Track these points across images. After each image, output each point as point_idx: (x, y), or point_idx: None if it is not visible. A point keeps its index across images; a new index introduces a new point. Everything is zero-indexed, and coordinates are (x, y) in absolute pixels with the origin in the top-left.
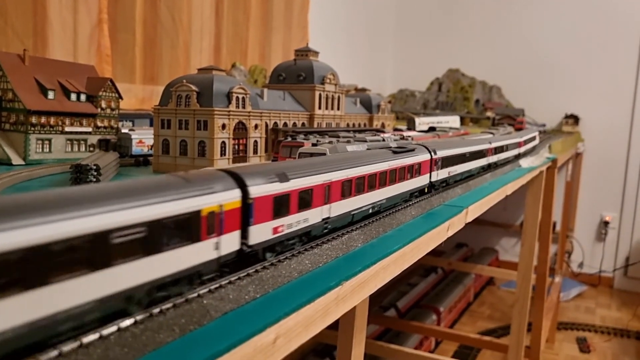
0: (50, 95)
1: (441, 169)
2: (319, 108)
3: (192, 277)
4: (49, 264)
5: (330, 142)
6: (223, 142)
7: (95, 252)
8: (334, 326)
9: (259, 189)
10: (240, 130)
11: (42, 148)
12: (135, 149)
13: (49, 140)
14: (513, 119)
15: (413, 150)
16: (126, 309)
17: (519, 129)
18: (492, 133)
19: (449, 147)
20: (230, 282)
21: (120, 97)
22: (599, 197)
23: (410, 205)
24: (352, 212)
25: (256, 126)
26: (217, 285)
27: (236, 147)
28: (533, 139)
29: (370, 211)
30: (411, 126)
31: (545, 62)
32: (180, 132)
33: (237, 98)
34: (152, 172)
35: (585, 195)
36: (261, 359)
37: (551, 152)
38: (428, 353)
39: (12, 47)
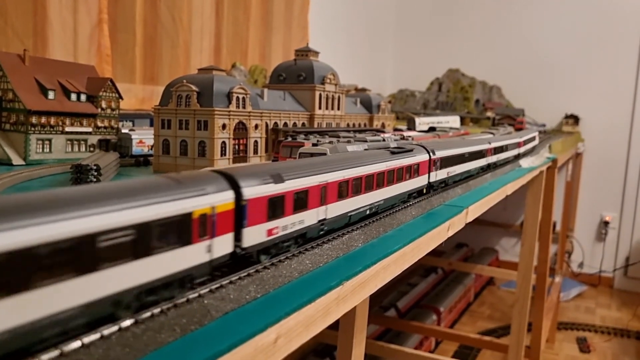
0: (51, 95)
1: (440, 169)
2: (319, 108)
3: (183, 281)
4: (32, 269)
5: (330, 142)
6: (223, 142)
7: (81, 256)
8: (335, 326)
9: (252, 190)
10: (241, 130)
11: (43, 148)
12: (136, 149)
13: (49, 140)
14: (513, 119)
15: (411, 150)
16: (114, 313)
17: (519, 129)
18: (492, 133)
19: (448, 148)
20: (231, 282)
21: (120, 97)
22: (599, 197)
23: (410, 205)
24: (349, 214)
25: (256, 126)
26: (217, 285)
27: (236, 147)
28: (533, 139)
29: (368, 212)
30: (411, 126)
31: (545, 62)
32: (181, 132)
33: (238, 98)
34: (152, 172)
35: (585, 195)
36: (262, 359)
37: (551, 152)
38: (428, 353)
39: (12, 47)
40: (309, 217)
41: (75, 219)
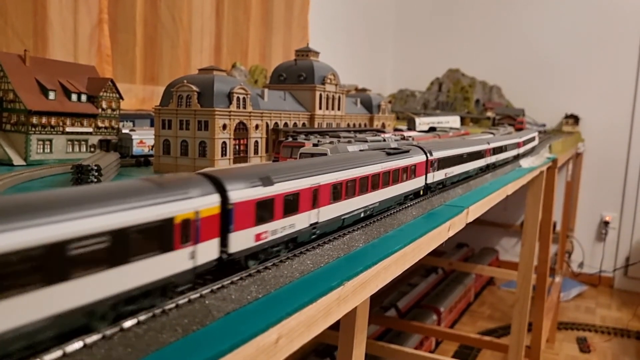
0: (51, 95)
1: (437, 170)
2: (320, 108)
3: (165, 289)
4: None
5: (331, 143)
6: (224, 143)
7: (50, 264)
8: (335, 326)
9: (239, 194)
10: (241, 130)
11: (43, 148)
12: (136, 149)
13: (50, 140)
14: (513, 119)
15: (408, 151)
16: (88, 325)
17: (519, 129)
18: (492, 133)
19: (446, 148)
20: (232, 282)
21: (121, 97)
22: (599, 197)
23: (411, 205)
24: (343, 217)
25: (257, 126)
26: (219, 285)
27: (237, 147)
28: (532, 139)
29: (362, 215)
30: (411, 126)
31: (545, 62)
32: (181, 133)
33: (238, 98)
34: (152, 173)
35: (585, 195)
36: (264, 359)
37: (551, 152)
38: (428, 353)
39: (13, 47)
40: (300, 221)
41: (44, 225)
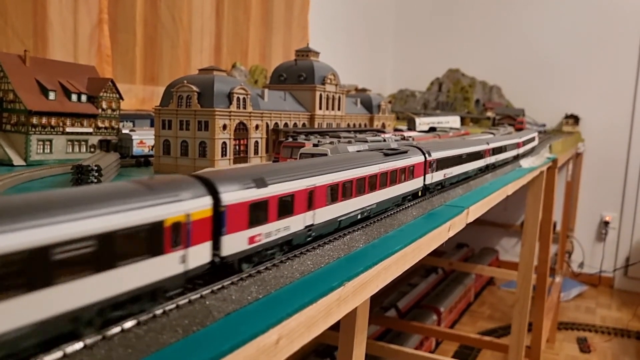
0: (51, 96)
1: (436, 171)
2: (320, 108)
3: (155, 294)
4: None
5: (331, 143)
6: (224, 143)
7: (33, 270)
8: (335, 327)
9: (232, 196)
10: (241, 130)
11: (43, 149)
12: (136, 149)
13: (50, 141)
14: (513, 119)
15: (406, 152)
16: (74, 331)
17: (519, 129)
18: (492, 133)
19: (444, 149)
20: (232, 283)
21: (121, 97)
22: (599, 197)
23: (411, 206)
24: (339, 219)
25: (257, 127)
26: (219, 286)
27: (237, 147)
28: (532, 139)
29: (359, 217)
30: (411, 126)
31: (545, 62)
32: (181, 133)
33: (238, 98)
34: (153, 173)
35: (585, 195)
36: None
37: (551, 152)
38: (428, 353)
39: (13, 47)
40: (295, 223)
41: (26, 229)
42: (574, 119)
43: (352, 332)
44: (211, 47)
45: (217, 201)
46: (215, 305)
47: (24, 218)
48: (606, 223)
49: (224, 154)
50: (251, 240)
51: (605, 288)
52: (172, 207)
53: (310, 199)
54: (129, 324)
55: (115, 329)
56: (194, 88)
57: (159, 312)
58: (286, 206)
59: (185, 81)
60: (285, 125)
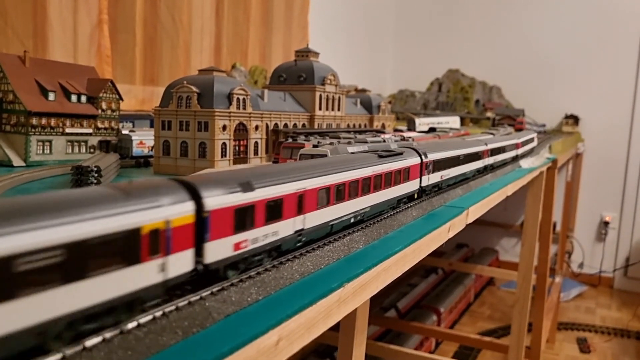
0: (51, 96)
1: (433, 173)
2: (320, 109)
3: (131, 305)
4: None
5: (331, 144)
6: (224, 144)
7: None
8: (335, 327)
9: (216, 201)
10: (241, 131)
11: (43, 149)
12: (136, 150)
13: (50, 141)
14: (513, 119)
15: (401, 153)
16: (42, 345)
17: (518, 130)
18: (492, 134)
19: (442, 150)
20: (232, 284)
21: (120, 98)
22: (599, 197)
23: (410, 206)
24: (331, 223)
25: (257, 127)
26: (219, 287)
27: (237, 148)
28: (531, 140)
29: (352, 220)
30: (411, 127)
31: (545, 62)
32: (181, 134)
33: (238, 99)
34: (152, 174)
35: (585, 196)
36: None
37: (551, 152)
38: (428, 354)
39: (12, 47)
40: (284, 228)
41: None
42: (574, 119)
43: (352, 332)
44: (211, 47)
45: (200, 206)
46: (215, 307)
47: None
48: (606, 223)
49: (223, 154)
50: (237, 246)
51: (605, 288)
52: (150, 213)
53: (300, 203)
54: (128, 325)
55: (115, 331)
56: (194, 89)
57: (158, 314)
58: (274, 211)
59: (185, 82)
60: (285, 125)
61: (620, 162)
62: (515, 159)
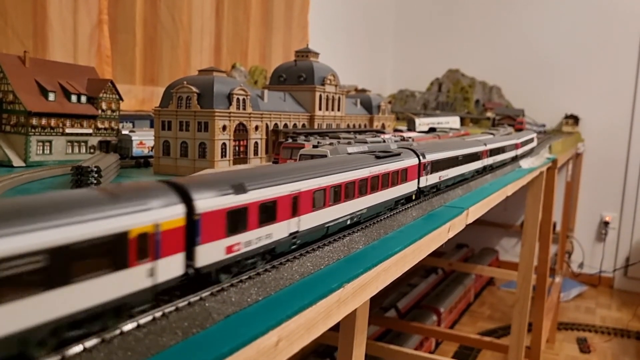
0: (51, 96)
1: (431, 173)
2: (320, 109)
3: (118, 310)
4: None
5: (331, 144)
6: (224, 144)
7: None
8: (335, 327)
9: (207, 203)
10: (241, 131)
11: (43, 150)
12: (136, 150)
13: (50, 142)
14: (513, 120)
15: (399, 154)
16: (24, 353)
17: (518, 130)
18: (492, 134)
19: (440, 150)
20: (232, 285)
21: (120, 98)
22: (599, 197)
23: (410, 207)
24: (327, 225)
25: (257, 127)
26: (219, 288)
27: (237, 148)
28: (531, 140)
29: (349, 222)
30: (411, 127)
31: (545, 62)
32: (181, 134)
33: (238, 99)
34: (152, 174)
35: (585, 196)
36: None
37: (551, 152)
38: (428, 354)
39: (12, 47)
40: (278, 231)
41: None
42: (574, 119)
43: (352, 332)
44: (211, 47)
45: (191, 209)
46: (215, 307)
47: None
48: (606, 223)
49: (223, 155)
50: (229, 249)
51: (605, 288)
52: (138, 217)
53: (295, 205)
54: (128, 326)
55: (115, 332)
56: (194, 89)
57: (158, 314)
58: (268, 213)
59: (185, 82)
60: (285, 126)
61: (620, 162)
62: (515, 159)
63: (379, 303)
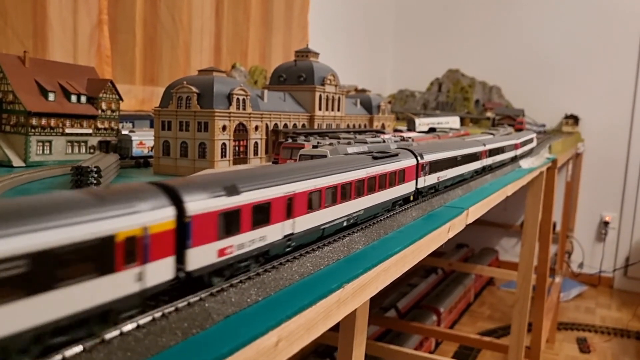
0: (51, 97)
1: (429, 174)
2: (319, 109)
3: (105, 316)
4: None
5: (330, 144)
6: (223, 144)
7: None
8: (335, 327)
9: (199, 205)
10: (241, 131)
11: (43, 150)
12: (136, 150)
13: (50, 142)
14: (513, 119)
15: (396, 155)
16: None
17: (518, 130)
18: (492, 134)
19: (438, 151)
20: (232, 285)
21: (120, 98)
22: (599, 197)
23: (410, 207)
24: (322, 227)
25: (256, 127)
26: (218, 288)
27: (237, 148)
28: (530, 140)
29: (345, 224)
30: (411, 127)
31: (545, 62)
32: (181, 134)
33: (238, 99)
34: (152, 174)
35: (585, 195)
36: None
37: (551, 152)
38: (428, 354)
39: (12, 47)
40: (272, 233)
41: None
42: (574, 119)
43: (352, 333)
44: (211, 47)
45: (182, 211)
46: (215, 308)
47: None
48: (606, 223)
49: (223, 155)
50: (221, 252)
51: (605, 288)
52: (126, 220)
53: (290, 207)
54: (128, 327)
55: (115, 332)
56: (194, 89)
57: (158, 315)
58: (262, 215)
59: (184, 82)
60: (285, 126)
61: (620, 162)
62: (514, 159)
63: (379, 303)
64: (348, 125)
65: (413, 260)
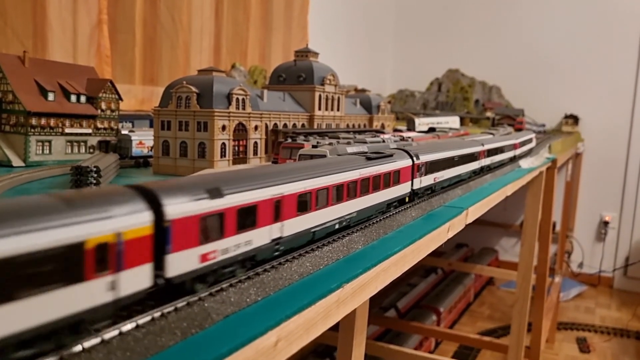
0: (50, 96)
1: (425, 175)
2: (319, 109)
3: (75, 327)
4: None
5: (330, 144)
6: (223, 144)
7: None
8: (335, 327)
9: (178, 209)
10: (240, 131)
11: (42, 150)
12: (135, 150)
13: (49, 141)
14: (513, 119)
15: (391, 155)
16: None
17: (518, 129)
18: (492, 134)
19: (434, 151)
20: (231, 285)
21: (120, 98)
22: (598, 197)
23: (410, 207)
24: (313, 230)
25: (256, 127)
26: (218, 288)
27: (236, 148)
28: (529, 140)
29: (337, 227)
30: (411, 127)
31: (545, 62)
32: (181, 134)
33: (237, 99)
34: (152, 174)
35: (585, 195)
36: None
37: (551, 152)
38: (428, 353)
39: (12, 47)
40: (258, 237)
41: None
42: (574, 119)
43: (352, 332)
44: (210, 47)
45: (160, 215)
46: (214, 308)
47: None
48: (606, 223)
49: (223, 154)
50: (204, 258)
51: (604, 288)
52: (96, 225)
53: (278, 210)
54: (127, 326)
55: (114, 332)
56: (193, 89)
57: (157, 314)
58: (248, 218)
59: (184, 82)
60: (285, 126)
61: (620, 162)
62: (513, 159)
63: (379, 303)
64: (348, 125)
65: (413, 260)
